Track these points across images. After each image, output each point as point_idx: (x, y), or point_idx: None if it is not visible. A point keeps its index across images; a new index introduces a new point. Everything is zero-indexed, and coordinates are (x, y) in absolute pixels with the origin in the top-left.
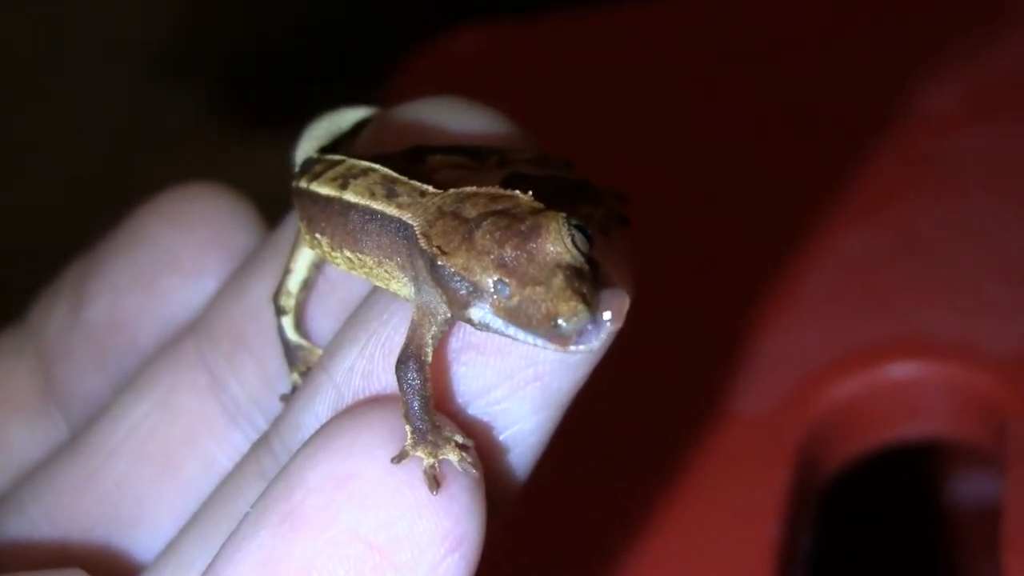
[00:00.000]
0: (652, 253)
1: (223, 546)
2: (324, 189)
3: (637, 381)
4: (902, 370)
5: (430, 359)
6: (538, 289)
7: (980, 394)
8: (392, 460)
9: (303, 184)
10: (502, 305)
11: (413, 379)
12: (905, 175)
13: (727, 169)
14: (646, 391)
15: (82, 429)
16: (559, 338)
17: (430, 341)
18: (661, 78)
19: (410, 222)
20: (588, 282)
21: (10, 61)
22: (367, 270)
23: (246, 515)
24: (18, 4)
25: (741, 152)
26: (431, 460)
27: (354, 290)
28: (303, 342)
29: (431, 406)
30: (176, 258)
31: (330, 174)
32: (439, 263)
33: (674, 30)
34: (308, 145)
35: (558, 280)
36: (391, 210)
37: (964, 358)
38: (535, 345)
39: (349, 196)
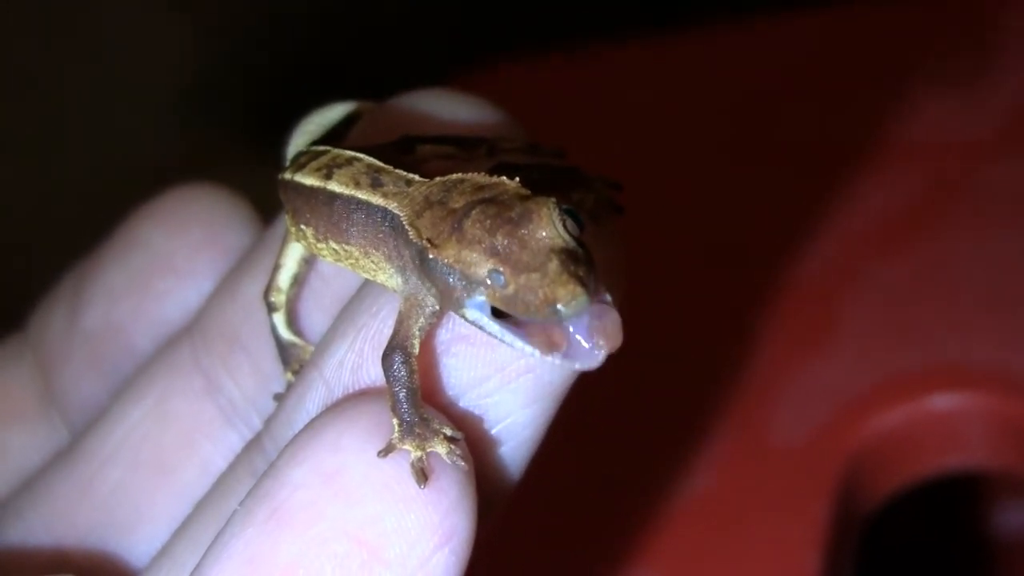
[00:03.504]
0: (686, 292)
1: (211, 545)
2: (308, 179)
3: (675, 414)
4: (941, 401)
5: (417, 351)
6: (534, 276)
7: (1020, 424)
8: (379, 454)
9: (287, 175)
10: (498, 295)
11: (399, 371)
12: (939, 203)
13: (765, 199)
14: (683, 423)
15: (78, 435)
16: (557, 349)
17: (417, 332)
18: (684, 111)
19: (396, 212)
20: (584, 265)
21: (41, 97)
22: (352, 261)
23: (234, 513)
24: (44, 39)
25: (777, 181)
26: (419, 453)
27: (348, 285)
28: (296, 340)
29: (419, 398)
30: (170, 260)
31: (314, 164)
32: (430, 256)
33: (696, 61)
34: (300, 140)
35: (553, 265)
36: (376, 199)
37: (1003, 388)
38: (531, 356)
39: (333, 186)
